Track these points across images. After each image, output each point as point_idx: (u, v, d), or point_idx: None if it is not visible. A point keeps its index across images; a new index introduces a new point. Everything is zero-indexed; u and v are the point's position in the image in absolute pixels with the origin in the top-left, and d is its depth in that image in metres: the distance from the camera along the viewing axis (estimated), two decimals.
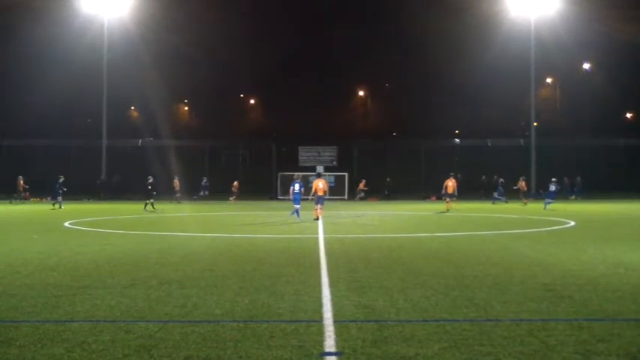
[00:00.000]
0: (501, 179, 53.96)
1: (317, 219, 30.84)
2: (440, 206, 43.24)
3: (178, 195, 54.79)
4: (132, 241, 22.03)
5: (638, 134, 75.94)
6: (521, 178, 52.79)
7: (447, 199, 40.85)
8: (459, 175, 50.00)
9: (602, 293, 11.88)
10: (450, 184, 40.77)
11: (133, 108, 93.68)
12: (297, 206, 32.07)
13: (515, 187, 52.43)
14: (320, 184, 32.00)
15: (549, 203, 43.19)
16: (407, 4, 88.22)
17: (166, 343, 8.61)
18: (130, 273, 14.49)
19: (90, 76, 69.26)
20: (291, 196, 33.09)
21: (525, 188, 51.57)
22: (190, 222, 32.37)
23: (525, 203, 48.96)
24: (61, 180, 46.56)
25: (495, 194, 53.02)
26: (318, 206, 31.70)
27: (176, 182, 55.39)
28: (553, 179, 44.79)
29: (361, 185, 59.47)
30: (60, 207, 44.87)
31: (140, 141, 71.55)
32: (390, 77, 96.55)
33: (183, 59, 79.72)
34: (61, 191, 46.30)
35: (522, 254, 17.71)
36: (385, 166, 64.71)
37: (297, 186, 32.54)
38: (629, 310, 10.57)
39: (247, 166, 75.91)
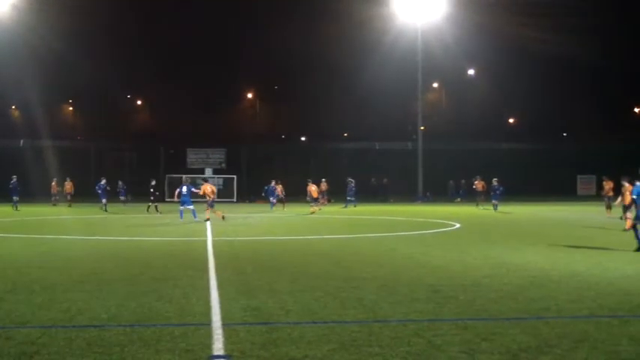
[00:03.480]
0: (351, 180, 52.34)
1: (208, 219, 31.73)
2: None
3: (56, 197, 53.03)
4: (12, 245, 21.35)
5: (519, 138, 78.47)
6: (478, 178, 50.51)
7: (312, 204, 41.88)
8: (323, 179, 51.02)
9: (486, 293, 12.21)
10: (313, 188, 42.49)
11: (13, 107, 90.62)
12: (190, 207, 33.23)
13: (473, 187, 50.77)
14: (209, 188, 33.26)
15: (497, 205, 42.69)
16: (297, 7, 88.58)
17: (49, 349, 8.37)
18: (10, 277, 14.04)
19: None
20: (176, 198, 34.22)
21: (481, 189, 49.40)
22: (73, 224, 31.53)
23: (477, 204, 48.18)
24: None
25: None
26: (209, 209, 32.78)
27: (53, 184, 53.57)
28: (495, 179, 43.60)
29: (322, 186, 56.46)
30: None
31: (22, 141, 69.24)
32: (278, 79, 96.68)
33: (67, 58, 77.64)
34: None
35: (409, 256, 18.02)
36: (274, 169, 64.56)
37: (184, 188, 33.71)
38: (511, 310, 10.89)
39: (134, 168, 74.51)
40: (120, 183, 54.11)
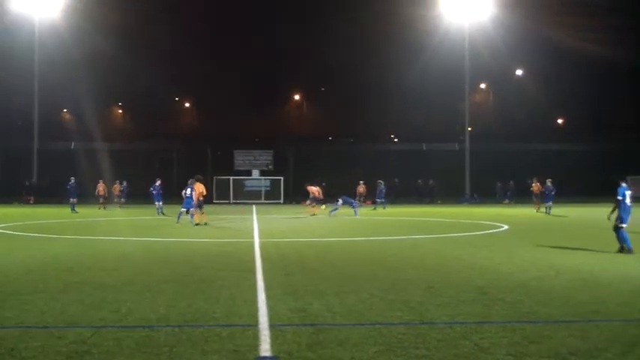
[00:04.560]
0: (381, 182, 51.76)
1: (198, 224, 30.75)
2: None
3: (102, 200, 52.44)
4: (64, 246, 21.65)
5: (568, 139, 77.51)
6: (534, 179, 47.63)
7: (310, 203, 40.68)
8: (323, 183, 47.56)
9: (534, 296, 12.08)
10: (314, 189, 40.69)
11: (65, 110, 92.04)
12: (183, 209, 32.10)
13: (530, 189, 48.83)
14: (201, 188, 31.90)
15: (550, 208, 41.84)
16: (345, 7, 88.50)
17: (99, 348, 8.49)
18: (61, 278, 14.24)
19: (21, 78, 67.76)
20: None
21: (537, 191, 45.88)
22: (122, 226, 31.88)
23: (538, 207, 44.81)
24: None
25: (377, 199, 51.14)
26: (198, 211, 31.66)
27: (100, 186, 52.06)
28: (549, 180, 42.48)
29: (361, 189, 56.44)
30: None
31: (73, 144, 70.29)
32: (326, 81, 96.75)
33: (116, 62, 78.60)
34: None
35: (456, 258, 17.93)
36: (321, 170, 64.65)
37: (189, 190, 31.92)
38: (560, 312, 10.77)
39: (182, 169, 75.18)
40: (124, 183, 54.38)
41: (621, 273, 14.97)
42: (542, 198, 43.41)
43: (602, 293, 12.39)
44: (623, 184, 19.40)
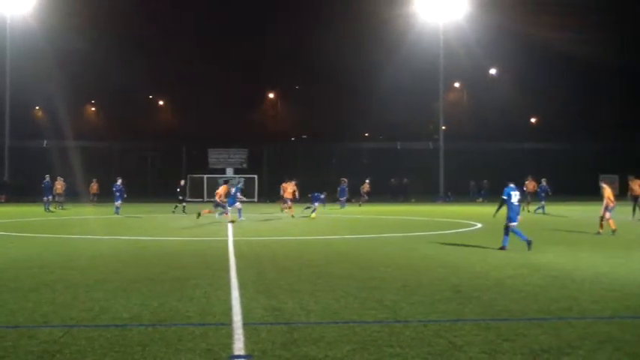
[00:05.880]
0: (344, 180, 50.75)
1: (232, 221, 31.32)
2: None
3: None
4: (36, 244, 21.47)
5: (542, 139, 78.03)
6: (529, 178, 45.75)
7: (289, 205, 37.81)
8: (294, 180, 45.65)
9: (509, 294, 12.15)
10: (289, 189, 38.16)
11: (37, 108, 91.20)
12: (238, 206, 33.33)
13: (524, 189, 47.57)
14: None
15: (543, 207, 41.23)
16: (320, 7, 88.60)
17: (71, 348, 8.42)
18: (34, 276, 14.13)
19: None
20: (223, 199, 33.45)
21: (533, 190, 44.34)
22: (96, 225, 31.65)
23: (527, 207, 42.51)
24: None
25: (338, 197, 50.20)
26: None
27: (58, 184, 48.72)
28: (544, 179, 42.20)
29: (365, 187, 56.27)
30: None
31: (45, 142, 69.67)
32: (300, 79, 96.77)
33: (90, 59, 78.15)
34: None
35: (430, 256, 18.00)
36: (295, 169, 64.58)
37: (232, 190, 33.81)
38: (533, 310, 10.83)
39: (157, 168, 74.92)
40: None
41: (593, 271, 15.08)
42: (537, 197, 42.59)
43: (575, 291, 12.48)
44: (511, 185, 19.94)
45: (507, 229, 19.66)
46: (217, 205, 32.85)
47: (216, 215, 33.25)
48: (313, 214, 36.12)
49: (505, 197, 19.70)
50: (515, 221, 19.61)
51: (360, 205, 51.66)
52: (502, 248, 19.33)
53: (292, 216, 35.86)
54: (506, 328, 9.49)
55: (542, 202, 41.40)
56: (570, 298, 11.80)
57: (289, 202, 37.42)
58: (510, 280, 13.73)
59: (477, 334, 9.17)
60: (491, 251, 19.03)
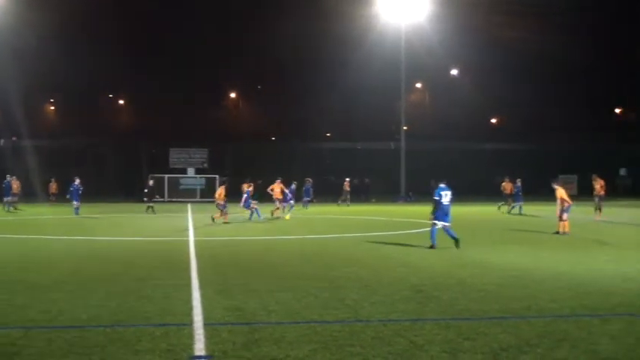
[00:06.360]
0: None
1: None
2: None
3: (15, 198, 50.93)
4: None
5: (504, 139, 78.72)
6: (506, 179, 44.88)
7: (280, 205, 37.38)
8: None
9: (468, 293, 12.23)
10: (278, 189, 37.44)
11: None
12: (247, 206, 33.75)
13: (501, 189, 47.24)
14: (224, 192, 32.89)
15: (516, 207, 41.00)
16: (282, 5, 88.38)
17: (30, 350, 8.32)
18: None
19: None
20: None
21: (510, 191, 43.06)
22: (54, 225, 31.27)
23: (501, 207, 43.15)
24: None
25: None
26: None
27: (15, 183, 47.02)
28: (519, 180, 41.66)
29: (346, 186, 55.69)
30: None
31: (2, 141, 68.72)
32: (261, 79, 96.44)
33: (47, 57, 77.06)
34: None
35: (391, 256, 18.06)
36: (257, 169, 64.40)
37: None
38: (493, 309, 10.92)
39: (116, 167, 74.29)
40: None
41: (553, 270, 15.25)
42: (513, 198, 42.03)
43: (534, 290, 12.61)
44: (442, 185, 20.13)
45: (434, 227, 19.95)
46: (220, 206, 32.42)
47: (251, 218, 33.64)
48: (287, 216, 36.02)
49: (437, 197, 19.86)
50: (446, 221, 19.91)
51: (348, 206, 51.48)
52: (432, 247, 19.63)
53: (287, 218, 35.57)
54: (467, 327, 9.55)
55: (520, 203, 41.21)
56: (530, 297, 11.91)
57: (277, 203, 36.81)
58: (471, 280, 13.82)
59: (437, 333, 9.22)
60: (451, 251, 19.11)
